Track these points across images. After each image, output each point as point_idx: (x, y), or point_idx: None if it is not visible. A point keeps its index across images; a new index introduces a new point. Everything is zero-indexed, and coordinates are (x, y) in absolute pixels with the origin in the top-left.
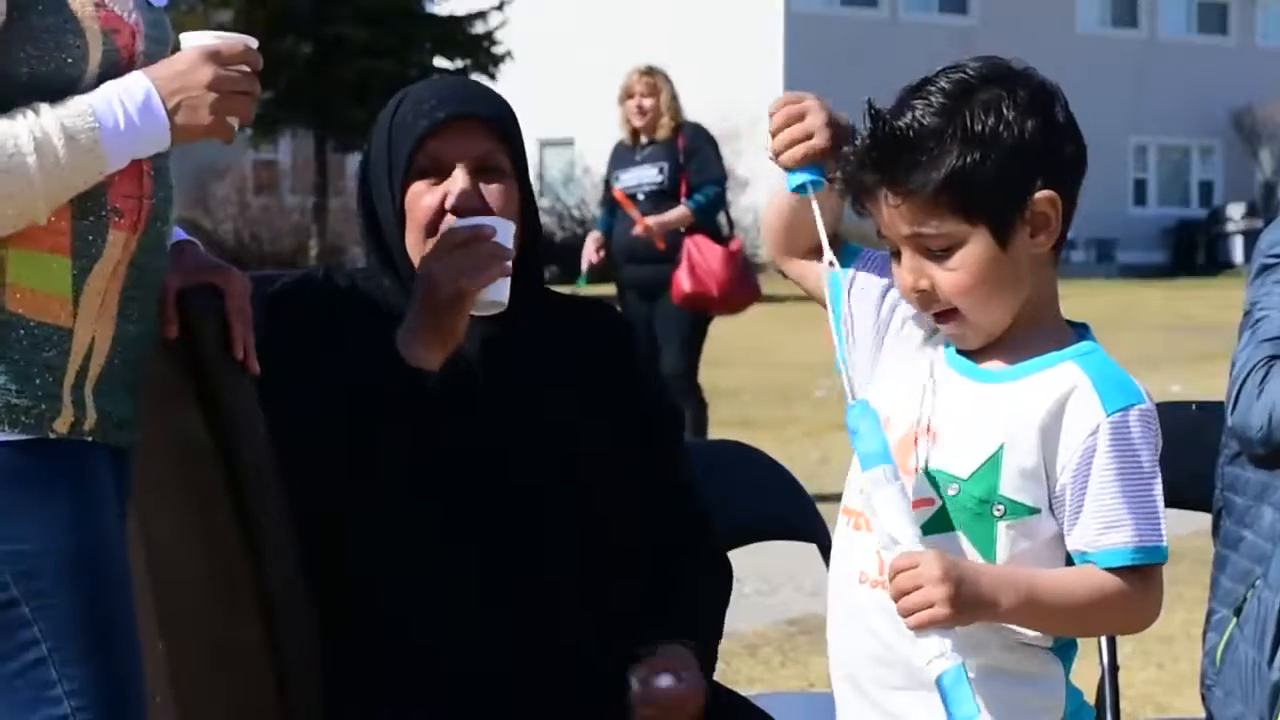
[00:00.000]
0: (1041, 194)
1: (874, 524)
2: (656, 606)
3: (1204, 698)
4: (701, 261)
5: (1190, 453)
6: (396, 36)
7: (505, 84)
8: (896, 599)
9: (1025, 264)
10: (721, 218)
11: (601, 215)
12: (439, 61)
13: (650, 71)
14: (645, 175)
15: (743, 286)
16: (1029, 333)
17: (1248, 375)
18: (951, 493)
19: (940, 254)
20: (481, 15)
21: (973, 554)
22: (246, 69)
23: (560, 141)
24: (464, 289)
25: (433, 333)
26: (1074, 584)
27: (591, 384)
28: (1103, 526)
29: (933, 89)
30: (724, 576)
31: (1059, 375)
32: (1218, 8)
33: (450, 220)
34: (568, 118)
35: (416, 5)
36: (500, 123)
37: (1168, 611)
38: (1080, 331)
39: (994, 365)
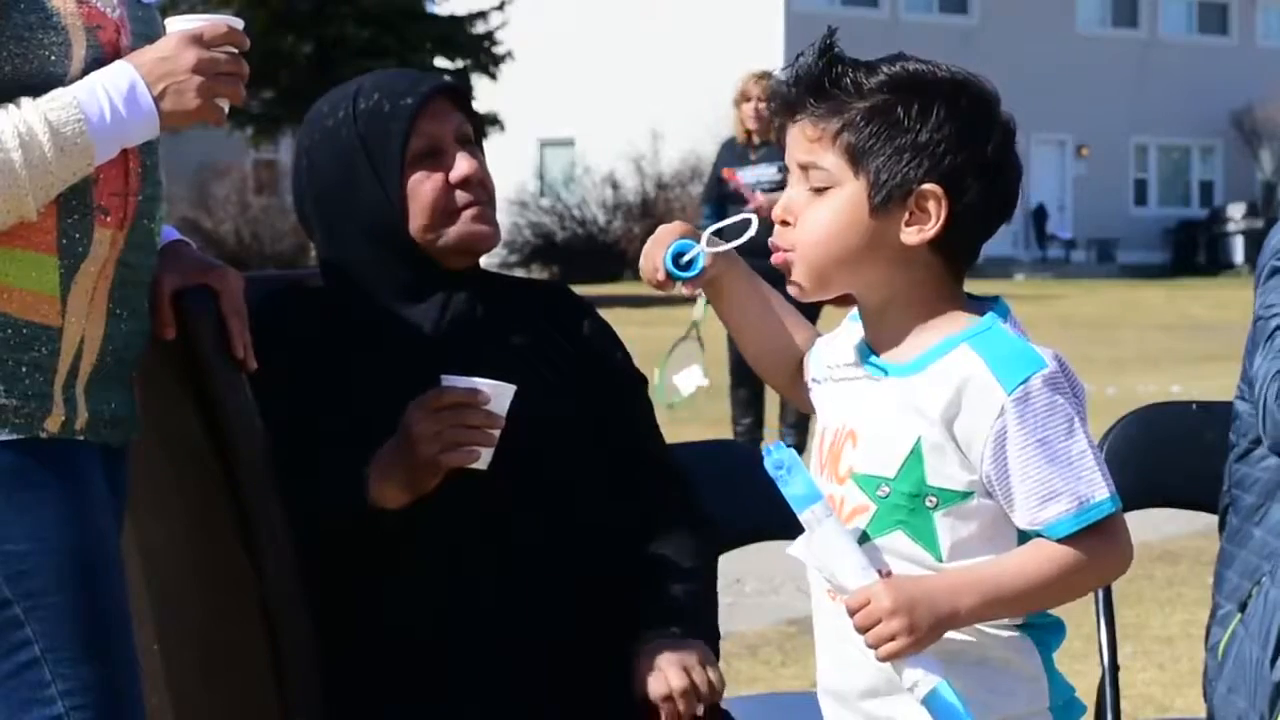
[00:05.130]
0: (930, 185)
1: (818, 566)
2: (648, 592)
3: (1206, 693)
4: None
5: (1190, 453)
6: (397, 36)
7: (505, 84)
8: (859, 633)
9: (889, 246)
10: None
11: (707, 212)
12: (439, 61)
13: (767, 76)
14: (763, 173)
15: None
16: (928, 318)
17: (1267, 389)
18: (882, 494)
19: (817, 193)
20: (482, 15)
21: (916, 550)
22: (232, 50)
23: (560, 141)
24: (440, 463)
25: (402, 485)
26: (1032, 563)
27: (552, 359)
28: (1039, 502)
29: (900, 63)
30: (708, 532)
31: (954, 363)
32: (1218, 8)
33: (446, 381)
34: (568, 118)
35: (417, 5)
36: (463, 94)
37: (1168, 612)
38: (985, 309)
39: (898, 358)
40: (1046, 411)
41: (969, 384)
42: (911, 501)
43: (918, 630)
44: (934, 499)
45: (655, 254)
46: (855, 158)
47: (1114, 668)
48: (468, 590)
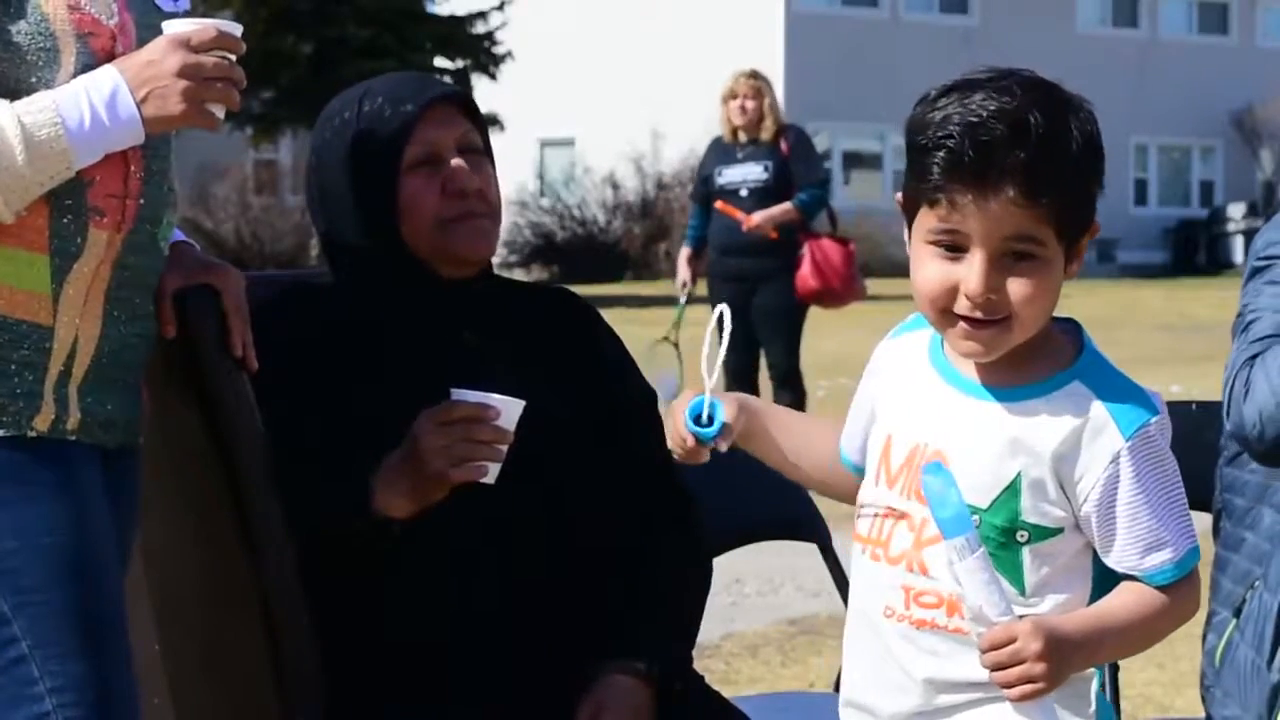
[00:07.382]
0: (1094, 225)
1: (960, 595)
2: (623, 614)
3: (1203, 698)
4: (824, 260)
5: (1190, 453)
6: (397, 36)
7: (505, 84)
8: (990, 668)
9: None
10: (823, 216)
11: (694, 211)
12: (439, 61)
13: (754, 75)
14: (750, 171)
15: (856, 283)
16: (1028, 347)
17: (1234, 377)
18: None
19: (1017, 261)
20: (482, 15)
21: (1002, 583)
22: (225, 55)
23: (560, 141)
24: (449, 477)
25: (409, 497)
26: (1140, 609)
27: (557, 365)
28: (1144, 550)
29: (1063, 113)
30: (702, 556)
31: (1069, 401)
32: (1218, 8)
33: (457, 394)
34: (568, 118)
35: (417, 5)
36: (470, 102)
37: None
38: (1072, 332)
39: (995, 382)
40: (1159, 461)
41: (1086, 427)
42: (1003, 535)
43: (1061, 678)
44: (1025, 534)
45: (678, 426)
46: (1065, 228)
47: (1114, 667)
48: (469, 593)
